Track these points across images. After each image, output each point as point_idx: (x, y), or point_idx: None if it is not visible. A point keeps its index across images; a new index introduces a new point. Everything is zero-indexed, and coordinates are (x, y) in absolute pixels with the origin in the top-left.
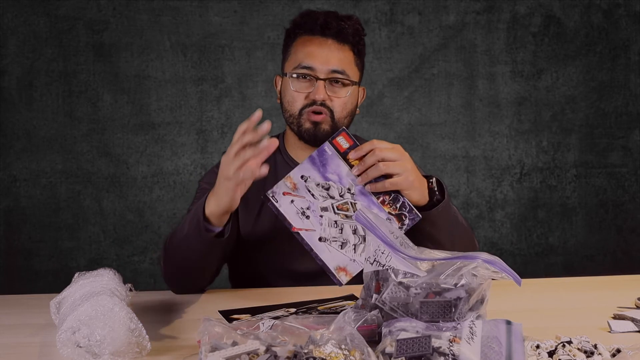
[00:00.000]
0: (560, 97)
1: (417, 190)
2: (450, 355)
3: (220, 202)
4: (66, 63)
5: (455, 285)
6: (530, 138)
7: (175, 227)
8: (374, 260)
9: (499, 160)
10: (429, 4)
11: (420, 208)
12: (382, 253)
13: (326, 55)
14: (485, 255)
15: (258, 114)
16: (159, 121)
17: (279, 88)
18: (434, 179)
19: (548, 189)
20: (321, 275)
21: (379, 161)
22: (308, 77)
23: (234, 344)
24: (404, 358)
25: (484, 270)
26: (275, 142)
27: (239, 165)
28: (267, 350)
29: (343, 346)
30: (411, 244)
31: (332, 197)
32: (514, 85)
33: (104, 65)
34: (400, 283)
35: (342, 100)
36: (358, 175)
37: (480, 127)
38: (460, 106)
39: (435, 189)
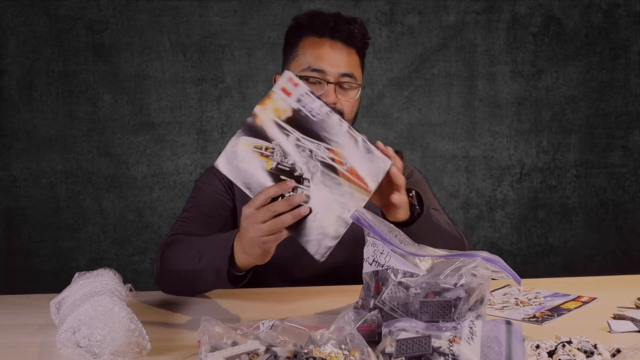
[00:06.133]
0: (560, 97)
1: (403, 209)
2: (450, 355)
3: (251, 259)
4: (66, 63)
5: (455, 285)
6: (530, 138)
7: (175, 246)
8: (373, 260)
9: (499, 160)
10: (429, 4)
11: (401, 224)
12: (382, 253)
13: (336, 59)
14: (484, 254)
15: (291, 184)
16: (159, 121)
17: None
18: (414, 192)
19: (548, 189)
20: (320, 279)
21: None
22: (318, 80)
23: (234, 344)
24: (404, 358)
25: (483, 270)
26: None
27: (269, 218)
28: (267, 350)
29: (343, 346)
30: (410, 241)
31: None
32: (514, 85)
33: (104, 65)
34: (400, 283)
35: (350, 103)
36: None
37: (480, 127)
38: (460, 106)
39: (416, 203)
